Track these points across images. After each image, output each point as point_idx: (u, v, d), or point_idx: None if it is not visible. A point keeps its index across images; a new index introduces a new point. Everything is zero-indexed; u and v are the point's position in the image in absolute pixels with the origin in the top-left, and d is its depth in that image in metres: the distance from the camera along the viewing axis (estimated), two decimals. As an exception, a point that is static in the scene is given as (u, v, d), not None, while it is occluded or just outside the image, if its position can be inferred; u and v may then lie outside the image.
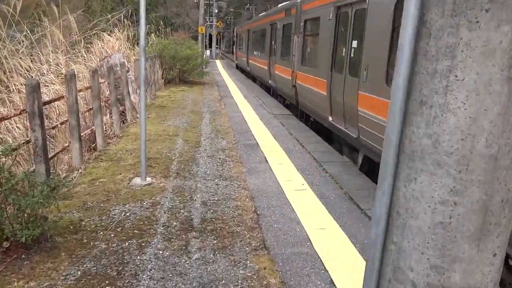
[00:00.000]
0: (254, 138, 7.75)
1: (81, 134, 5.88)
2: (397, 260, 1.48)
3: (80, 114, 6.01)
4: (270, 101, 12.98)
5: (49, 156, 4.88)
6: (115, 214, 4.22)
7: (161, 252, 3.52)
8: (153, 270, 3.24)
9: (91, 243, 3.62)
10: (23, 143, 4.66)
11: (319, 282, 3.16)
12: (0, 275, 3.09)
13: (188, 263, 3.37)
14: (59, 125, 5.86)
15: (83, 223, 3.99)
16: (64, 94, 5.71)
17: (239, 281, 3.15)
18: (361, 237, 3.84)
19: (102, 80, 7.85)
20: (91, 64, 9.67)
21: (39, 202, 3.27)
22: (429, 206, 1.36)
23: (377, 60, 5.44)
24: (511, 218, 1.39)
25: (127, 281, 3.08)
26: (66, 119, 5.80)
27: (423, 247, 1.39)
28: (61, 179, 3.83)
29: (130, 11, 15.72)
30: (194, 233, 3.91)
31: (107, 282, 3.07)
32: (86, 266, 3.25)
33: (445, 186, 1.32)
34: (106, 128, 7.49)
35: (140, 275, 3.18)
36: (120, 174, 5.46)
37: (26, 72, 7.82)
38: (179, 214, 4.30)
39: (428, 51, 1.32)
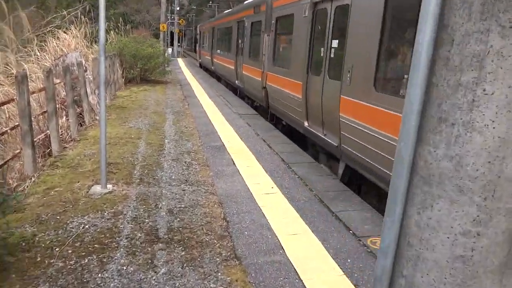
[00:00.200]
0: (220, 140, 7.55)
1: (34, 139, 5.46)
2: None
3: (33, 118, 5.58)
4: (235, 101, 12.80)
5: (-2, 165, 4.47)
6: (73, 227, 3.91)
7: (124, 268, 3.27)
8: (116, 289, 3.00)
9: (46, 261, 3.31)
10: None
11: (293, 293, 3.03)
12: None
13: (154, 279, 3.15)
14: (9, 131, 5.41)
15: (37, 238, 3.66)
16: (15, 97, 5.27)
17: (210, 296, 2.97)
18: (334, 242, 3.76)
19: (58, 81, 7.37)
20: (45, 64, 9.12)
21: (-16, 219, 2.94)
22: (448, 238, 1.20)
23: (364, 61, 4.95)
24: None
25: (87, 303, 2.82)
26: (17, 123, 5.37)
27: (439, 282, 1.24)
28: (11, 189, 3.48)
29: (87, 7, 15.03)
30: (160, 244, 3.68)
31: (64, 305, 2.80)
32: (41, 288, 2.96)
33: (467, 215, 1.17)
34: (62, 131, 7.04)
35: (102, 295, 2.92)
36: (78, 181, 5.11)
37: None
38: (143, 224, 4.05)
39: (449, 60, 1.15)
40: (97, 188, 4.89)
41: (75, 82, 8.24)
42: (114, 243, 3.65)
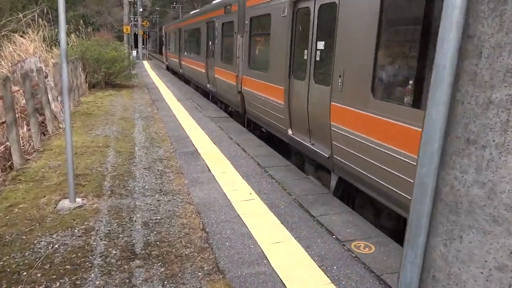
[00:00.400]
0: (193, 145, 7.35)
1: (-7, 153, 5.09)
2: None
3: (-10, 130, 5.20)
4: (205, 104, 12.57)
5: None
6: (41, 248, 3.64)
7: (100, 290, 3.06)
8: (92, 314, 2.79)
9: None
10: None
11: (282, 306, 2.93)
12: None
13: (134, 300, 2.96)
14: (-36, 144, 5.01)
15: (1, 263, 3.37)
16: (-31, 108, 4.89)
17: (195, 316, 2.81)
18: (318, 249, 3.69)
19: (16, 88, 6.96)
20: (2, 71, 8.58)
21: None
22: (482, 273, 1.08)
23: (359, 65, 4.47)
24: None
25: (61, 333, 2.60)
26: (-28, 136, 4.98)
27: None
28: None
29: (45, 9, 14.37)
30: (137, 261, 3.48)
31: (36, 337, 2.57)
32: (8, 319, 2.71)
33: (503, 247, 1.05)
34: (23, 142, 6.64)
35: (77, 322, 2.71)
36: (44, 196, 4.80)
37: None
38: (118, 240, 3.83)
39: (477, 74, 1.04)
40: (65, 203, 4.60)
41: (35, 89, 7.81)
42: (87, 263, 3.42)
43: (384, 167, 4.06)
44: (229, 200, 4.80)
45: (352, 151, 4.64)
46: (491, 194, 1.06)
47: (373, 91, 4.25)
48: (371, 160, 4.28)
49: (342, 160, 4.91)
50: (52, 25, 14.62)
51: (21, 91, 7.14)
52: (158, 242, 3.81)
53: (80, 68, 13.61)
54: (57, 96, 8.71)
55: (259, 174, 5.80)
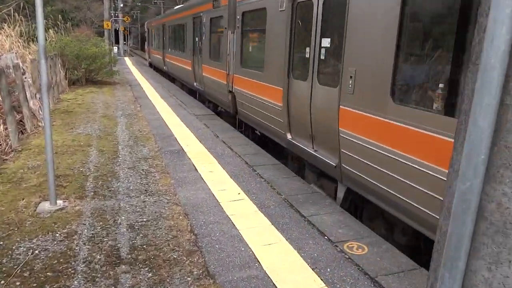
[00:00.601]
0: (178, 143, 7.18)
1: (-33, 154, 4.83)
2: None
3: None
4: (190, 101, 12.37)
5: None
6: (19, 254, 3.44)
7: (84, 298, 2.90)
8: (76, 325, 2.63)
9: (-10, 298, 2.86)
10: None
11: (276, 311, 2.83)
12: None
13: (120, 309, 2.81)
14: None
15: (-23, 271, 3.17)
16: None
17: (186, 324, 2.69)
18: (310, 250, 3.60)
19: (-8, 85, 6.63)
20: (-24, 66, 8.20)
21: None
22: None
23: (375, 65, 3.96)
24: None
25: None
26: None
27: None
28: None
29: (21, 3, 13.90)
30: (123, 266, 3.33)
31: None
32: (-16, 333, 2.53)
33: None
34: (0, 142, 6.35)
35: (60, 334, 2.55)
36: (23, 199, 4.57)
37: None
38: (102, 244, 3.66)
39: None
40: (46, 205, 4.39)
41: (12, 86, 7.50)
42: (70, 269, 3.25)
43: (404, 180, 3.62)
44: (217, 201, 4.67)
45: (365, 161, 4.17)
46: None
47: (393, 95, 3.74)
48: (389, 172, 3.82)
49: (353, 170, 4.44)
50: (29, 20, 14.15)
51: (-3, 88, 6.82)
52: (144, 246, 3.66)
53: (60, 65, 13.21)
54: (35, 94, 8.39)
55: (247, 173, 5.68)
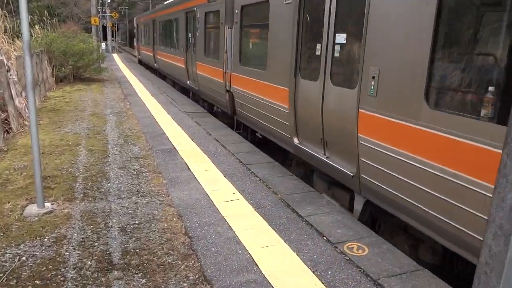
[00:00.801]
0: (170, 142, 7.02)
1: (-51, 155, 4.62)
2: None
3: None
4: (180, 98, 12.17)
5: None
6: (6, 261, 3.27)
7: (75, 308, 2.76)
8: (67, 338, 2.49)
9: (-27, 310, 2.70)
10: None
11: (276, 317, 2.72)
12: None
13: (114, 319, 2.67)
14: None
15: (-40, 280, 3.00)
16: None
17: (183, 333, 2.56)
18: (309, 252, 3.49)
19: (-25, 83, 6.40)
20: (-42, 63, 7.91)
21: None
22: None
23: (406, 63, 3.46)
24: None
25: None
26: None
27: None
28: None
29: (5, -1, 13.55)
30: (115, 272, 3.19)
31: None
32: None
33: None
34: (-16, 142, 6.13)
35: None
36: (9, 202, 4.39)
37: None
38: (93, 249, 3.51)
39: None
40: (33, 208, 4.22)
41: (-3, 84, 7.24)
42: (59, 277, 3.10)
43: (439, 195, 3.21)
44: (211, 201, 4.54)
45: (390, 172, 3.72)
46: None
47: (428, 98, 3.27)
48: (421, 186, 3.39)
49: (374, 181, 3.99)
50: (14, 16, 13.79)
51: (-20, 86, 6.59)
52: (137, 250, 3.52)
53: (46, 62, 12.90)
54: (21, 92, 8.14)
55: (241, 172, 5.55)
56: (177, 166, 5.73)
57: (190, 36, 11.67)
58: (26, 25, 3.95)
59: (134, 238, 3.72)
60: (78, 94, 12.48)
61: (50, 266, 3.22)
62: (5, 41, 11.61)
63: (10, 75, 7.83)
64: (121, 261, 3.34)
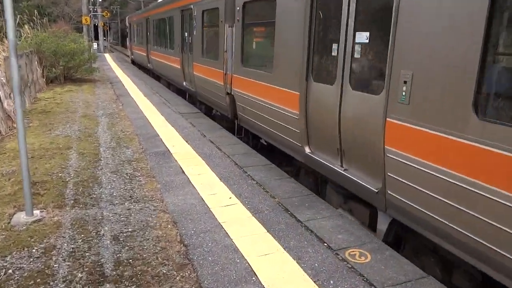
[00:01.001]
0: (164, 144, 6.86)
1: None
2: None
3: None
4: (174, 98, 11.99)
5: None
6: (-9, 275, 3.11)
7: (65, 325, 2.61)
8: None
9: (-45, 330, 2.54)
10: None
11: (278, 332, 2.59)
12: None
13: (106, 337, 2.52)
14: None
15: None
16: None
17: None
18: (310, 260, 3.36)
19: (-40, 86, 6.19)
20: None
21: None
22: None
23: (449, 66, 2.99)
24: None
25: None
26: None
27: None
28: None
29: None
30: (107, 285, 3.04)
31: None
32: None
33: None
34: (-29, 146, 5.93)
35: None
36: (-4, 210, 4.22)
37: None
38: (84, 260, 3.35)
39: None
40: (21, 217, 4.05)
41: (-16, 86, 7.04)
42: (48, 291, 2.94)
43: (486, 219, 2.81)
44: (207, 206, 4.40)
45: (425, 191, 3.28)
46: None
47: (477, 108, 2.83)
48: (463, 208, 2.97)
49: (404, 200, 3.54)
50: (2, 15, 13.53)
51: (-34, 88, 6.39)
52: (130, 260, 3.36)
53: (36, 62, 12.66)
54: (9, 93, 7.93)
55: (237, 175, 5.41)
56: (171, 170, 5.57)
57: (186, 35, 11.20)
58: (12, 23, 3.77)
59: (127, 247, 3.56)
60: (69, 95, 12.25)
61: (38, 280, 3.06)
62: (-7, 41, 11.36)
63: (-2, 76, 7.63)
64: (114, 272, 3.19)
